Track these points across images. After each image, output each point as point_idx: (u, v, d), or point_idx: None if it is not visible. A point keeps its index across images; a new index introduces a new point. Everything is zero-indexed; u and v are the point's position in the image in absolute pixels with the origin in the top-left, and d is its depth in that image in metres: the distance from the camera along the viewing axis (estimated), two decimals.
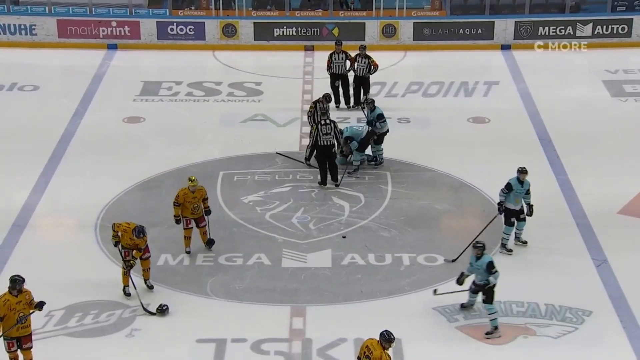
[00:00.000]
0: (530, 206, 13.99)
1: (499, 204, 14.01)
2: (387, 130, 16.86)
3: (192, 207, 13.85)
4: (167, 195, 16.02)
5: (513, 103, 20.21)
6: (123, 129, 18.82)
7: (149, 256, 13.09)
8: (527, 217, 14.07)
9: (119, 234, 12.93)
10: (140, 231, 12.73)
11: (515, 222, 14.09)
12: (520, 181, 13.86)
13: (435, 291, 12.78)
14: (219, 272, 13.65)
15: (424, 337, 12.23)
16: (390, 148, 16.92)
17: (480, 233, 13.71)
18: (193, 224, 14.01)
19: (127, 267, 12.95)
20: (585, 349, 12.01)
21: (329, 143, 16.00)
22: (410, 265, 13.83)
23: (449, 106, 20.05)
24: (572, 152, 17.55)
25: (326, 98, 17.30)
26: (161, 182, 16.48)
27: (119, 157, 17.46)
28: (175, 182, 16.38)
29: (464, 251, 13.75)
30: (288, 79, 21.63)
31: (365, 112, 17.12)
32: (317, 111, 16.79)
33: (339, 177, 16.21)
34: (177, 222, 13.98)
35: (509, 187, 13.86)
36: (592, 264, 13.85)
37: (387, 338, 10.61)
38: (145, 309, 12.63)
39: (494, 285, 12.16)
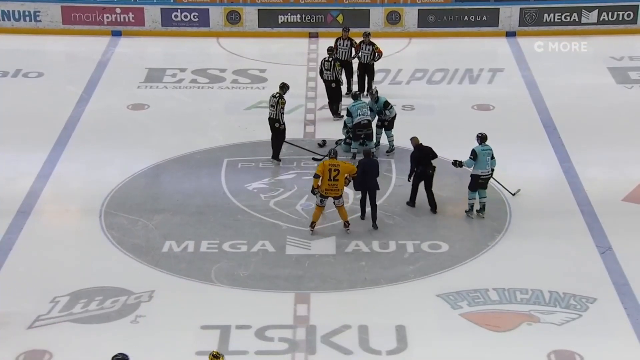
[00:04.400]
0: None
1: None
2: (395, 114, 16.87)
3: None
4: (171, 182, 16.06)
5: (518, 90, 20.16)
6: (127, 116, 18.83)
7: None
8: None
9: None
10: None
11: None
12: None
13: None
14: (223, 259, 13.68)
15: (427, 324, 12.25)
16: (394, 135, 16.89)
17: None
18: None
19: None
20: (589, 336, 12.02)
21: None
22: (415, 253, 13.84)
23: (453, 93, 20.02)
24: (576, 140, 17.52)
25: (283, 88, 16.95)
26: (166, 169, 16.50)
27: (124, 143, 17.47)
28: (180, 168, 16.42)
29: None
30: (292, 66, 21.58)
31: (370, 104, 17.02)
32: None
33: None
34: None
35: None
36: (597, 251, 13.86)
37: (334, 152, 14.22)
38: None
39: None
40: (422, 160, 14.84)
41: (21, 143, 17.37)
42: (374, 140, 16.83)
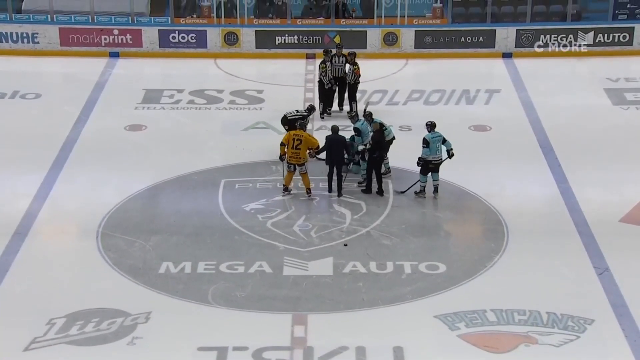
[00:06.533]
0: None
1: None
2: (394, 138, 16.87)
3: None
4: (168, 203, 16.05)
5: (514, 111, 20.23)
6: (125, 137, 18.85)
7: None
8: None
9: None
10: None
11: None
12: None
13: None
14: (220, 280, 13.65)
15: (425, 345, 12.21)
16: (391, 156, 16.91)
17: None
18: None
19: None
20: (587, 357, 11.99)
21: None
22: (412, 273, 13.83)
23: (450, 114, 20.05)
24: (573, 160, 17.55)
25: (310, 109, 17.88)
26: (163, 189, 16.49)
27: (121, 164, 17.47)
28: (177, 189, 16.43)
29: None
30: (290, 86, 21.65)
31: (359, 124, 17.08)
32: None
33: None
34: None
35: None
36: (594, 272, 13.85)
37: (301, 124, 16.21)
38: None
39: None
40: (382, 144, 16.02)
41: (18, 164, 17.36)
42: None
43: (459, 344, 12.21)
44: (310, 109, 17.79)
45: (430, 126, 15.87)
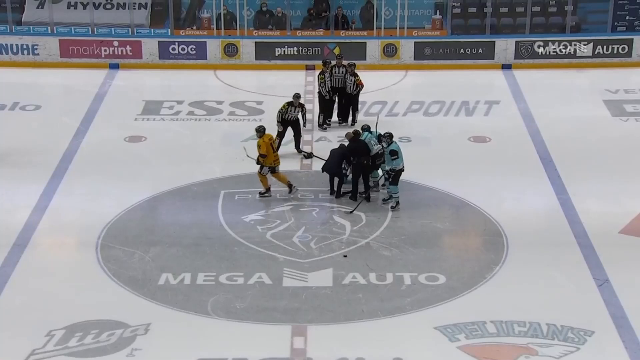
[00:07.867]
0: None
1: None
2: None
3: None
4: (168, 214, 16.05)
5: (514, 122, 20.24)
6: (124, 148, 18.86)
7: None
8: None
9: None
10: None
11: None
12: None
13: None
14: (220, 291, 13.63)
15: (425, 356, 12.19)
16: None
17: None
18: None
19: None
20: None
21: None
22: (412, 285, 13.81)
23: (449, 125, 20.09)
24: (573, 172, 17.56)
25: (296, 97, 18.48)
26: (162, 201, 16.49)
27: (121, 176, 17.47)
28: (177, 200, 16.42)
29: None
30: (289, 98, 21.61)
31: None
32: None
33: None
34: None
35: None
36: (594, 283, 13.83)
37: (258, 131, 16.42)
38: None
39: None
40: (358, 152, 16.14)
41: (18, 176, 17.36)
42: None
43: (459, 355, 12.18)
44: (296, 96, 18.18)
45: (389, 137, 15.99)
